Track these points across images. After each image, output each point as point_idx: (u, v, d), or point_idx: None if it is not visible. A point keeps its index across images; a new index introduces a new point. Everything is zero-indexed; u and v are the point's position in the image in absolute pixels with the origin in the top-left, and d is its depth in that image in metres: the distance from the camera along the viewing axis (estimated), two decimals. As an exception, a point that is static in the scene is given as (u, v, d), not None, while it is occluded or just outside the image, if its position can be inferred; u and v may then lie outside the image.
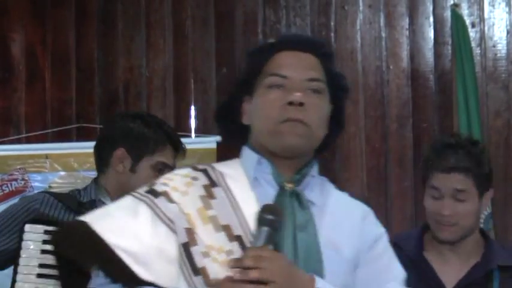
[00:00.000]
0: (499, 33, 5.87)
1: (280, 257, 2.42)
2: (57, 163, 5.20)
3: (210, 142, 5.69)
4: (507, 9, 5.93)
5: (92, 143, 4.19)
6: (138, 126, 3.99)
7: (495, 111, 5.74)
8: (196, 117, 6.03)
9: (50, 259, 3.53)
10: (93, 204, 3.76)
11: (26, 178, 5.70)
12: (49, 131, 5.67)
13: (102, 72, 6.09)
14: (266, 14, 5.97)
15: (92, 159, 4.10)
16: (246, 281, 2.36)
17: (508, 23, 5.91)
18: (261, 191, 2.53)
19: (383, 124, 5.98)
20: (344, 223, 2.66)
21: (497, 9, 5.92)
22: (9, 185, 5.77)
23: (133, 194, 2.55)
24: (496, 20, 5.91)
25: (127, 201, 2.59)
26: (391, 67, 5.95)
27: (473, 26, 5.82)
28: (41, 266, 3.58)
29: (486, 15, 5.91)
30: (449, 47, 5.79)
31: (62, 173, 5.58)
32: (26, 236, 3.63)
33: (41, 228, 3.62)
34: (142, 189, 2.55)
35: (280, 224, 2.42)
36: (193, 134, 5.98)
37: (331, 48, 3.24)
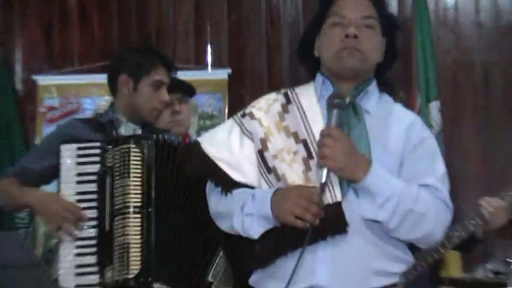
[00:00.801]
0: (454, 4, 6.52)
1: (345, 138, 2.75)
2: (102, 90, 5.32)
3: (223, 74, 6.46)
4: None
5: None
6: (134, 54, 4.32)
7: (445, 50, 6.37)
8: (212, 54, 6.70)
9: (85, 169, 3.94)
10: (111, 123, 4.15)
11: (79, 102, 6.48)
12: (97, 64, 6.27)
13: (138, 18, 6.84)
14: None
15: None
16: (321, 161, 2.72)
17: None
18: (324, 104, 2.91)
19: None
20: (393, 128, 2.95)
21: None
22: (66, 106, 6.55)
23: (233, 116, 3.06)
24: None
25: (228, 122, 3.09)
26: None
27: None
28: (79, 174, 3.89)
29: None
30: (410, 0, 6.45)
31: (106, 97, 5.63)
32: (62, 154, 3.93)
33: (74, 146, 3.94)
34: (240, 112, 3.05)
35: (345, 103, 2.79)
36: (209, 68, 6.64)
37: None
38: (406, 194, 2.81)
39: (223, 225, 2.98)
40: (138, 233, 3.73)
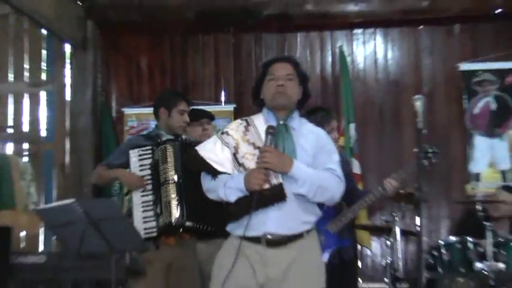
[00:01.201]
0: (363, 59, 8.16)
1: (275, 151, 3.44)
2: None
3: (230, 107, 7.86)
4: (368, 48, 8.18)
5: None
6: (167, 94, 5.12)
7: (358, 94, 7.85)
8: (224, 95, 8.13)
9: (144, 162, 4.62)
10: (157, 135, 4.76)
11: (148, 123, 7.51)
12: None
13: (181, 73, 8.16)
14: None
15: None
16: (262, 162, 3.40)
17: (367, 55, 8.18)
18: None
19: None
20: (309, 137, 3.60)
21: (361, 48, 8.16)
22: (140, 126, 7.70)
23: (216, 134, 3.70)
24: (359, 55, 8.17)
25: (213, 138, 3.69)
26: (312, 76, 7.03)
27: (349, 56, 8.00)
28: (140, 165, 4.62)
29: (355, 52, 8.15)
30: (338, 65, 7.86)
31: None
32: (130, 155, 4.66)
33: (137, 151, 4.64)
34: (220, 132, 3.67)
35: (275, 133, 3.45)
36: (223, 103, 8.06)
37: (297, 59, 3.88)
38: (314, 177, 3.49)
39: (212, 196, 3.63)
40: (175, 195, 4.48)
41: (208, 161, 3.56)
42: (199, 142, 4.23)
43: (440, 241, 6.36)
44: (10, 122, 6.93)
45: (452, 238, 6.30)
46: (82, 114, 7.64)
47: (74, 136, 7.66)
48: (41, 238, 6.86)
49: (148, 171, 4.57)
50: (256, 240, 3.46)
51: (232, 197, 3.48)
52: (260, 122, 3.63)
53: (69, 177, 7.54)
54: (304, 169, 3.46)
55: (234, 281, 3.45)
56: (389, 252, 6.08)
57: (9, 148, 6.86)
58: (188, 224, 4.42)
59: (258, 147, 3.50)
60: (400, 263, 6.08)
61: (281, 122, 3.57)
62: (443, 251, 6.18)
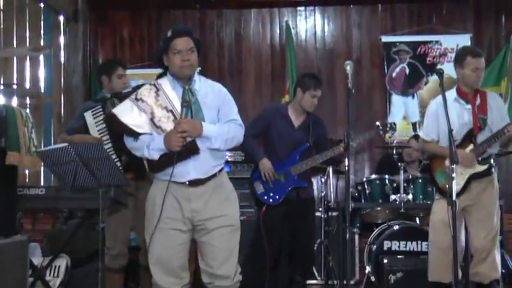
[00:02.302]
0: (304, 32, 8.11)
1: (189, 120, 3.43)
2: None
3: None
4: (309, 23, 8.13)
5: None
6: (105, 63, 5.17)
7: (300, 59, 7.78)
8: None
9: (100, 122, 4.58)
10: (103, 98, 4.72)
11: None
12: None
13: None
14: None
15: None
16: (178, 131, 3.37)
17: (308, 28, 8.12)
18: (177, 91, 3.52)
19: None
20: (210, 94, 3.59)
21: (303, 22, 8.10)
22: None
23: (130, 98, 3.55)
24: (302, 29, 8.13)
25: (128, 103, 3.54)
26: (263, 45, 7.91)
27: (293, 29, 7.96)
28: (99, 131, 4.59)
29: (298, 26, 8.11)
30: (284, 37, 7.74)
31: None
32: (86, 117, 4.67)
33: (90, 112, 4.63)
34: (133, 95, 3.52)
35: (189, 105, 3.43)
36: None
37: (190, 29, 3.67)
38: (222, 133, 3.54)
39: (137, 154, 3.60)
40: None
41: (129, 125, 3.48)
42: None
43: (363, 178, 6.55)
44: (15, 80, 6.88)
45: (373, 176, 6.45)
46: (75, 73, 7.63)
47: (68, 91, 7.64)
48: (42, 175, 7.02)
49: (104, 125, 4.53)
50: (180, 183, 3.49)
51: (155, 155, 3.46)
52: (167, 87, 3.55)
53: (64, 125, 7.37)
54: (213, 128, 3.48)
55: (164, 214, 3.46)
56: (324, 187, 6.26)
57: (14, 102, 6.62)
58: None
59: (171, 111, 3.47)
60: (332, 196, 6.27)
61: (186, 87, 3.52)
62: (366, 186, 6.35)
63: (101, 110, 4.56)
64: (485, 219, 4.53)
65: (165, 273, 3.50)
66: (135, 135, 3.47)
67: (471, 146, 4.51)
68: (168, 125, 3.44)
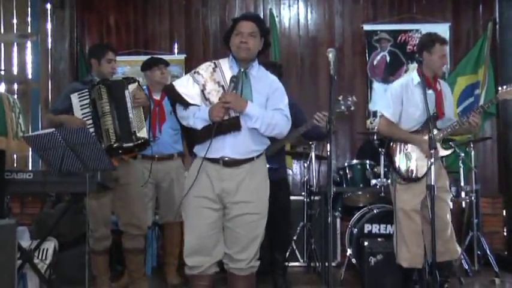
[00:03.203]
0: (288, 20, 7.96)
1: (235, 94, 3.46)
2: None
3: (181, 56, 7.61)
4: (292, 11, 7.94)
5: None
6: (96, 47, 5.05)
7: (283, 47, 7.76)
8: (177, 44, 7.82)
9: (83, 102, 4.55)
10: (91, 81, 4.66)
11: None
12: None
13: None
14: None
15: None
16: (222, 102, 3.44)
17: (292, 16, 7.94)
18: (233, 70, 3.57)
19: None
20: (263, 81, 3.61)
21: (287, 10, 7.94)
22: None
23: (190, 73, 3.66)
24: (285, 16, 7.96)
25: (186, 76, 3.66)
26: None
27: (277, 17, 7.76)
28: (83, 114, 4.54)
29: (282, 14, 7.92)
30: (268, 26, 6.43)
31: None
32: (72, 99, 4.62)
33: (76, 94, 4.60)
34: (193, 71, 3.64)
35: (238, 82, 3.47)
36: (176, 53, 7.79)
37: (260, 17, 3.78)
38: (266, 115, 3.52)
39: (184, 123, 3.61)
40: (111, 123, 4.51)
41: (182, 94, 3.54)
42: (122, 81, 4.47)
43: (345, 163, 6.47)
44: (2, 66, 6.92)
45: (354, 161, 6.43)
46: (62, 60, 7.47)
47: (56, 77, 7.50)
48: (30, 159, 6.94)
49: (88, 109, 4.52)
50: (215, 161, 3.48)
51: (199, 125, 3.48)
52: (226, 66, 3.59)
53: (51, 110, 7.38)
54: (258, 109, 3.47)
55: (198, 190, 3.49)
56: (306, 172, 6.33)
57: (2, 88, 6.92)
58: (126, 145, 4.44)
59: (222, 86, 3.51)
60: (315, 180, 6.36)
61: (242, 70, 3.55)
62: (347, 171, 6.31)
63: (87, 94, 4.52)
64: (446, 198, 4.61)
65: (195, 252, 3.53)
66: (185, 104, 3.52)
67: (436, 131, 4.52)
68: (216, 99, 3.48)
